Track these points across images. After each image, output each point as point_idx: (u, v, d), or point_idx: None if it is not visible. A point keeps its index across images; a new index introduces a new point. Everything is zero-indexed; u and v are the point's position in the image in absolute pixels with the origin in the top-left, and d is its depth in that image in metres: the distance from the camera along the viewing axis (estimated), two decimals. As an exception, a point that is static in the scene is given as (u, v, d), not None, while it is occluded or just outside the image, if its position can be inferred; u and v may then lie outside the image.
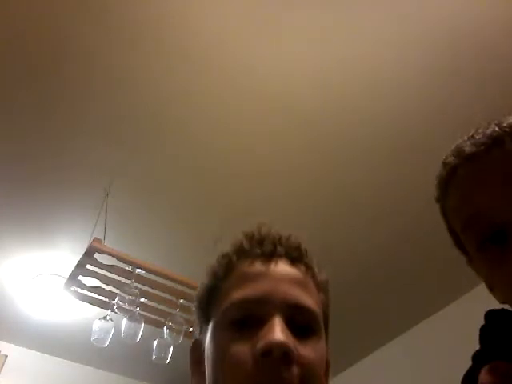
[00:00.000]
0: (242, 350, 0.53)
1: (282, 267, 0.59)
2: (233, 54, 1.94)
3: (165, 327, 2.19)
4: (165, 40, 1.90)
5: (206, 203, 2.47)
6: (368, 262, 2.66)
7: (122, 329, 2.09)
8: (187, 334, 2.18)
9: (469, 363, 0.58)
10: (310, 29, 1.86)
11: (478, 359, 0.56)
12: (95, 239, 2.04)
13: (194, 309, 0.66)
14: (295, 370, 0.51)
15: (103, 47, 1.92)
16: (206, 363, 0.58)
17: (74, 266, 2.07)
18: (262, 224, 0.64)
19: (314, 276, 0.61)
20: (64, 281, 2.20)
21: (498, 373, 0.49)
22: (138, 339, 2.10)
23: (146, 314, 2.21)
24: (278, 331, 0.51)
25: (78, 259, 2.05)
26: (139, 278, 2.15)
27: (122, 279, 2.15)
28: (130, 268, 2.13)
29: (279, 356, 0.49)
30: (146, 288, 2.20)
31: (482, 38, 1.82)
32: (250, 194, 2.43)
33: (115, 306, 2.08)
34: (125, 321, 2.10)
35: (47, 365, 3.43)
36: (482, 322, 0.59)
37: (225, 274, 0.61)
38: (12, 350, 3.31)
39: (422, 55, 1.90)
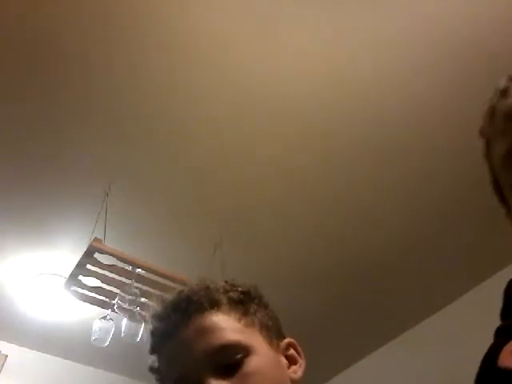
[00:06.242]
0: None
1: (192, 327, 0.64)
2: (235, 54, 1.94)
3: (165, 327, 2.19)
4: (166, 40, 1.90)
5: (206, 203, 2.47)
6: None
7: (122, 329, 2.09)
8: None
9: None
10: (320, 28, 1.86)
11: (502, 333, 0.48)
12: (95, 239, 2.04)
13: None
14: None
15: (103, 47, 1.92)
16: None
17: (74, 265, 2.07)
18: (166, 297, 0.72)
19: (232, 304, 0.68)
20: (64, 281, 2.20)
21: None
22: (138, 339, 2.10)
23: (146, 313, 2.21)
24: None
25: (78, 259, 2.05)
26: (139, 278, 2.15)
27: (122, 279, 2.15)
28: (130, 268, 2.13)
29: None
30: (146, 288, 2.20)
31: (483, 37, 1.82)
32: (249, 195, 2.43)
33: (115, 306, 2.08)
34: (125, 321, 2.10)
35: (47, 365, 3.42)
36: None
37: (154, 352, 0.70)
38: (12, 350, 3.30)
39: (427, 54, 1.90)
